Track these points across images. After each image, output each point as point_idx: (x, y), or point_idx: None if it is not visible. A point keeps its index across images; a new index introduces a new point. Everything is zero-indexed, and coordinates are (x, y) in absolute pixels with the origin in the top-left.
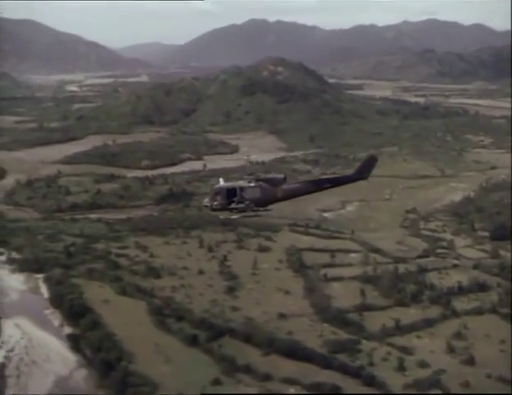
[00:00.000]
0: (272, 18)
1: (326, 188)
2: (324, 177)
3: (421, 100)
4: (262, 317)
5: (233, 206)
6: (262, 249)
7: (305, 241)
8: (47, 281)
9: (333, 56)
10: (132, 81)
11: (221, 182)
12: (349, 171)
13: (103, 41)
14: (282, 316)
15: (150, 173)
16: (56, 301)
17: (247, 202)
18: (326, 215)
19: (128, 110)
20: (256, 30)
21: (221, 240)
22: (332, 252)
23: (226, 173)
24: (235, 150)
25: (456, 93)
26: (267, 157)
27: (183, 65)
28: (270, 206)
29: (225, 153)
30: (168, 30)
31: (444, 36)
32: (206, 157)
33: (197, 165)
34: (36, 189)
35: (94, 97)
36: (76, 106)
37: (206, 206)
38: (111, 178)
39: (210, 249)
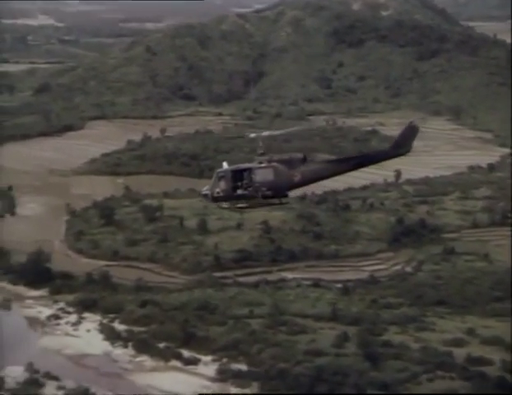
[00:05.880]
0: None
1: (356, 168)
2: (353, 154)
3: None
4: None
5: (239, 192)
6: None
7: None
8: None
9: None
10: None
11: (225, 165)
12: None
13: None
14: None
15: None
16: None
17: (257, 185)
18: None
19: (139, 77)
20: None
21: None
22: None
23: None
24: None
25: None
26: (476, 158)
27: None
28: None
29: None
30: None
31: None
32: None
33: (369, 175)
34: (126, 226)
35: None
36: None
37: (204, 195)
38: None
39: None
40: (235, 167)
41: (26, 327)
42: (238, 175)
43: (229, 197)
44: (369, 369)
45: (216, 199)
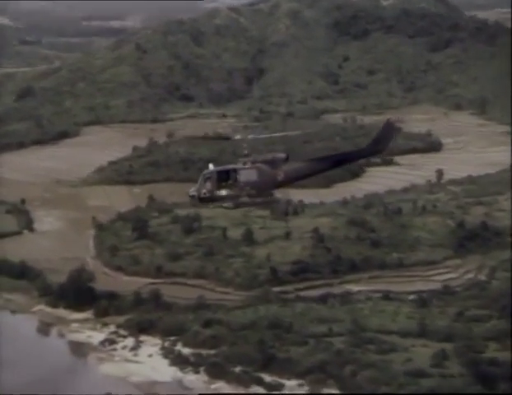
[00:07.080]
0: None
1: (337, 166)
2: (334, 153)
3: None
4: None
5: (225, 192)
6: None
7: None
8: None
9: None
10: None
11: (211, 167)
12: None
13: None
14: None
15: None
16: None
17: (241, 185)
18: None
19: (132, 76)
20: None
21: None
22: None
23: None
24: (432, 144)
25: None
26: None
27: None
28: None
29: (421, 151)
30: None
31: None
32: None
33: (402, 176)
34: (163, 239)
35: None
36: None
37: (192, 196)
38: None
39: None
40: (220, 168)
41: (80, 353)
42: (223, 176)
43: (215, 197)
44: (484, 392)
45: (202, 200)
